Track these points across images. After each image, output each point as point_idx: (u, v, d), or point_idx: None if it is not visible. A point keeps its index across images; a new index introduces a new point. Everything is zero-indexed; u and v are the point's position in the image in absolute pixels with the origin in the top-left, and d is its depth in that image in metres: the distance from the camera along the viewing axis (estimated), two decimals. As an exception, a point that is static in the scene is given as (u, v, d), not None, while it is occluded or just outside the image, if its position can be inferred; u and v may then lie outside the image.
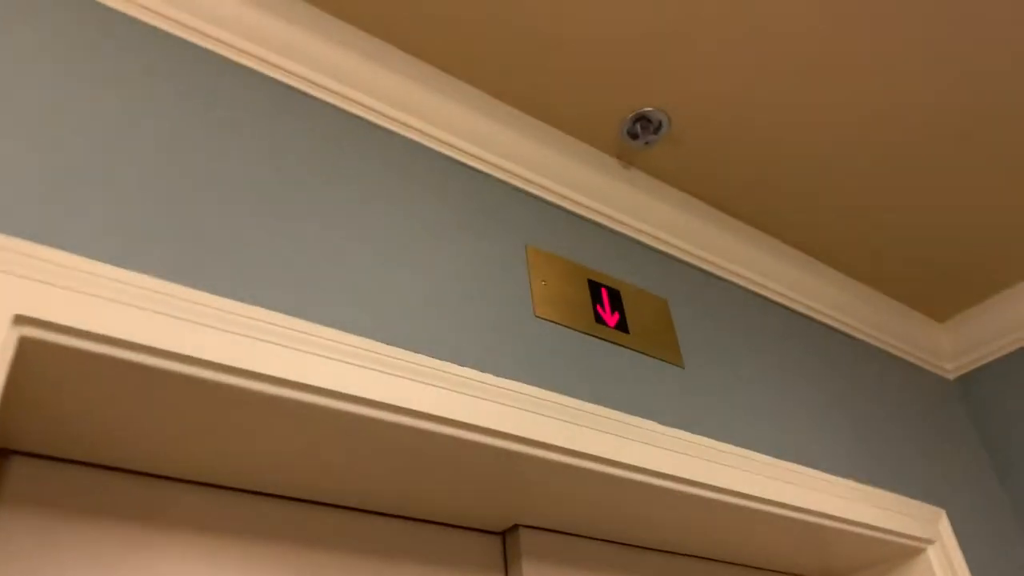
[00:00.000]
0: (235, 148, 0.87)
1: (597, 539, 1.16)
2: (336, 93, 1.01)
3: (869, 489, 1.28)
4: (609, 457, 0.96)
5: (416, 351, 0.86)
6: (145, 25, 0.89)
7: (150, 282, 0.71)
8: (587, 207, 1.21)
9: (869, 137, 1.25)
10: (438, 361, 0.86)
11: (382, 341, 0.85)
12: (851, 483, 1.26)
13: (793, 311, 1.45)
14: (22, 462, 0.79)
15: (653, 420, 1.04)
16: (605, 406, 1.00)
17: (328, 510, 0.96)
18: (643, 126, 1.19)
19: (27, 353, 0.65)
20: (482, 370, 0.90)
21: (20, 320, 0.64)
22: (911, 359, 1.65)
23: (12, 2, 0.80)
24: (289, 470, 0.88)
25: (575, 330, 1.05)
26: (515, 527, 1.08)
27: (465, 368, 0.88)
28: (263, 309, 0.77)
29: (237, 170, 0.85)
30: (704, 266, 1.33)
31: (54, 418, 0.74)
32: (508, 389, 0.91)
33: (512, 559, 1.08)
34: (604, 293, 1.13)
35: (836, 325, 1.52)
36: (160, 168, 0.79)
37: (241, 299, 0.77)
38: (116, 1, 0.87)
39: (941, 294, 1.63)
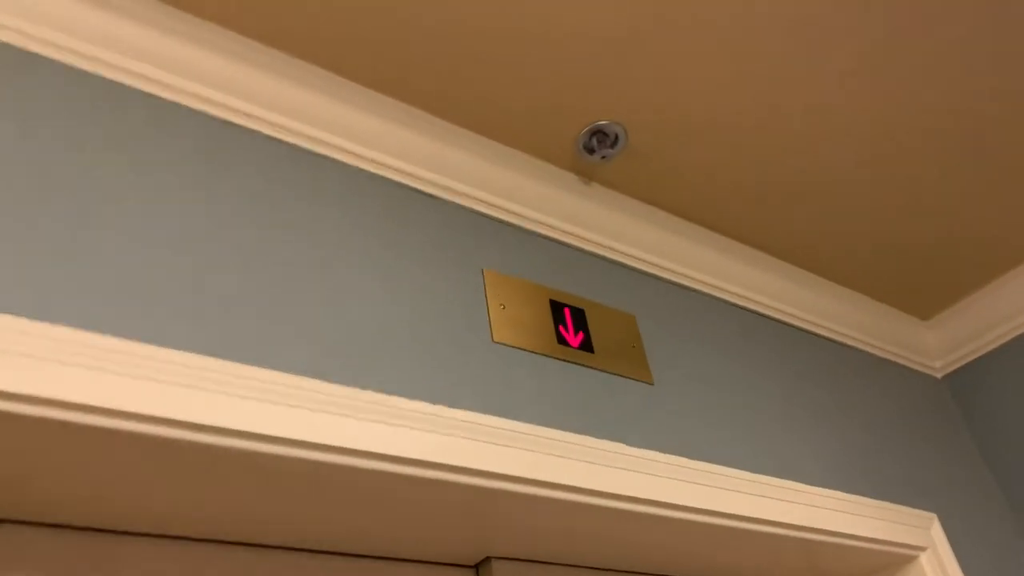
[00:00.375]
0: (155, 185, 0.84)
1: (574, 566, 1.12)
2: (276, 125, 0.98)
3: (856, 499, 1.25)
4: (576, 485, 0.93)
5: (367, 388, 0.83)
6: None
7: (68, 334, 0.68)
8: (547, 226, 1.18)
9: (838, 139, 1.23)
10: (389, 396, 0.83)
11: (333, 381, 0.82)
12: (837, 494, 1.23)
13: (769, 318, 1.42)
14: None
15: (621, 442, 1.01)
16: (570, 431, 0.97)
17: (298, 554, 0.93)
18: (599, 140, 1.17)
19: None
20: (435, 403, 0.87)
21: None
22: (897, 359, 1.62)
23: None
24: (250, 519, 0.85)
25: (536, 353, 1.02)
26: (487, 559, 1.05)
27: (417, 402, 0.85)
28: (199, 356, 0.74)
29: (156, 208, 0.83)
30: (673, 278, 1.30)
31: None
32: (466, 421, 0.87)
33: (486, 593, 1.04)
34: (567, 313, 1.10)
35: (816, 330, 1.49)
36: (67, 219, 0.77)
37: (174, 345, 0.74)
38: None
39: (924, 292, 1.61)
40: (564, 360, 1.04)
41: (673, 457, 1.04)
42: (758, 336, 1.37)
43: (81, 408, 0.66)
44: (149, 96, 0.90)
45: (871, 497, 1.29)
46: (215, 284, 0.80)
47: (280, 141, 0.98)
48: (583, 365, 1.06)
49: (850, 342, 1.54)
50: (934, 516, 1.35)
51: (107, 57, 0.89)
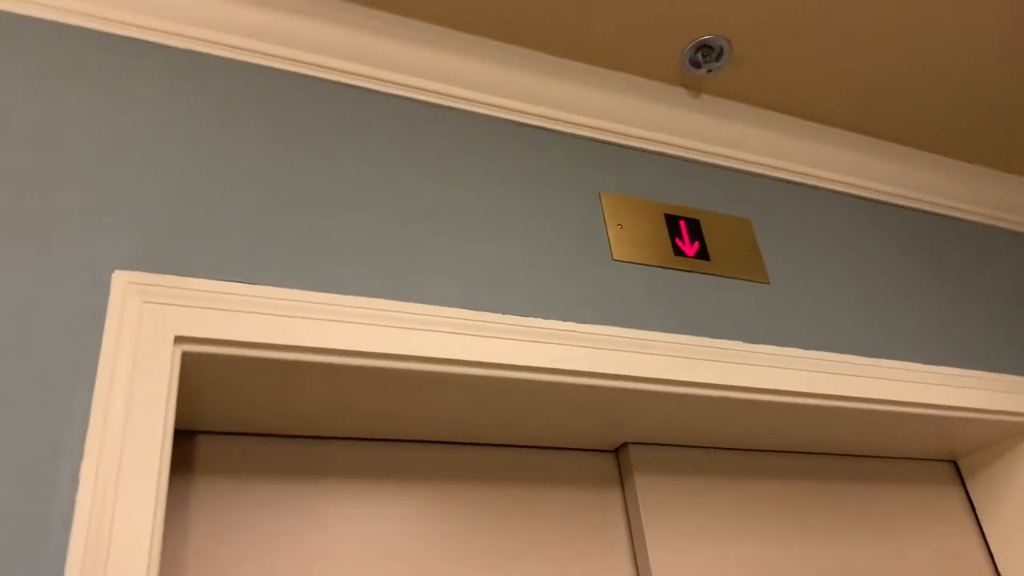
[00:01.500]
0: (291, 150, 1.00)
1: (705, 447, 1.26)
2: (389, 82, 1.11)
3: (974, 373, 1.30)
4: (696, 380, 1.05)
5: (503, 312, 0.98)
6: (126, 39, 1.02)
7: (272, 291, 0.86)
8: (659, 142, 1.26)
9: (944, 15, 1.21)
10: (527, 319, 0.98)
11: (483, 310, 0.97)
12: (954, 370, 1.28)
13: (885, 204, 1.45)
14: (207, 439, 0.99)
15: (738, 339, 1.12)
16: (689, 334, 1.08)
17: (468, 448, 1.12)
18: (704, 54, 1.21)
19: (187, 363, 0.82)
20: (565, 320, 1.01)
21: (180, 339, 0.80)
22: (1017, 228, 1.59)
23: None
24: (431, 422, 1.04)
25: (654, 266, 1.12)
26: (625, 445, 1.21)
27: (552, 321, 0.99)
28: (369, 298, 0.91)
29: (304, 173, 0.98)
30: (786, 176, 1.35)
31: (227, 404, 0.93)
32: (592, 333, 1.01)
33: (626, 473, 1.20)
34: (682, 225, 1.19)
35: (933, 208, 1.49)
36: (252, 194, 0.94)
37: (357, 293, 0.91)
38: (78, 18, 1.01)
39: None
40: (681, 270, 1.14)
41: (788, 349, 1.13)
42: (871, 222, 1.41)
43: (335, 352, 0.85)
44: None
45: (990, 370, 1.33)
46: (389, 240, 0.96)
47: (406, 99, 1.11)
48: (700, 272, 1.16)
49: (968, 216, 1.54)
50: (1063, 385, 1.38)
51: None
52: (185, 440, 0.98)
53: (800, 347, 1.17)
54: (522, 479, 1.14)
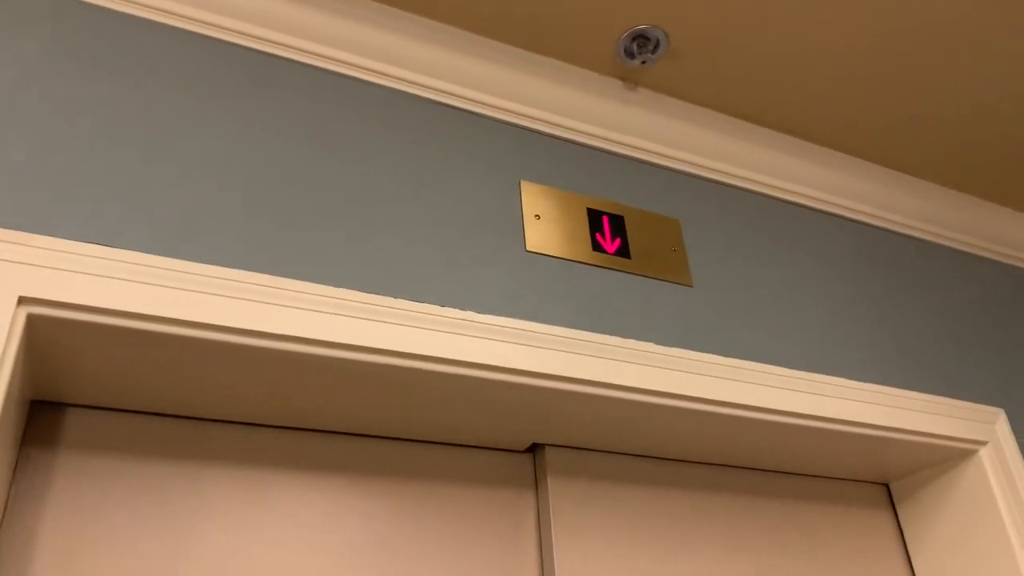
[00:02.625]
0: (168, 107, 0.94)
1: (622, 453, 1.21)
2: (313, 54, 1.06)
3: (909, 393, 1.25)
4: (608, 381, 1.00)
5: (403, 297, 0.93)
6: (143, 21, 0.97)
7: (139, 257, 0.81)
8: (588, 133, 1.21)
9: (896, 24, 1.17)
10: (422, 304, 0.92)
11: (385, 294, 0.92)
12: (890, 389, 1.24)
13: (822, 212, 1.40)
14: (75, 413, 0.93)
15: (653, 342, 1.07)
16: (602, 332, 1.03)
17: (373, 440, 1.07)
18: (640, 45, 1.17)
19: (36, 328, 0.77)
20: (465, 309, 0.96)
21: (25, 300, 0.75)
22: (961, 247, 1.55)
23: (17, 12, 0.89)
24: (325, 411, 0.98)
25: (569, 260, 1.07)
26: (539, 446, 1.15)
27: (449, 309, 0.94)
28: (253, 273, 0.85)
29: (185, 133, 0.93)
30: (720, 178, 1.31)
31: (90, 376, 0.87)
32: (496, 325, 0.96)
33: (540, 475, 1.15)
34: (605, 220, 1.14)
35: (874, 222, 1.45)
36: (126, 148, 0.88)
37: (241, 267, 0.86)
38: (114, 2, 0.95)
39: (1005, 178, 1.52)
40: (598, 266, 1.09)
41: (707, 355, 1.08)
42: (808, 231, 1.36)
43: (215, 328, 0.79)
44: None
45: (926, 392, 1.29)
46: (279, 214, 0.91)
47: (312, 66, 1.05)
48: (618, 270, 1.11)
49: (912, 232, 1.49)
50: (1000, 411, 1.34)
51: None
52: (51, 411, 0.92)
53: (721, 354, 1.12)
54: (432, 475, 1.08)
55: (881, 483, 1.45)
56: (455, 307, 0.95)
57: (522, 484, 1.14)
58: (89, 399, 0.92)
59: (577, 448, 1.18)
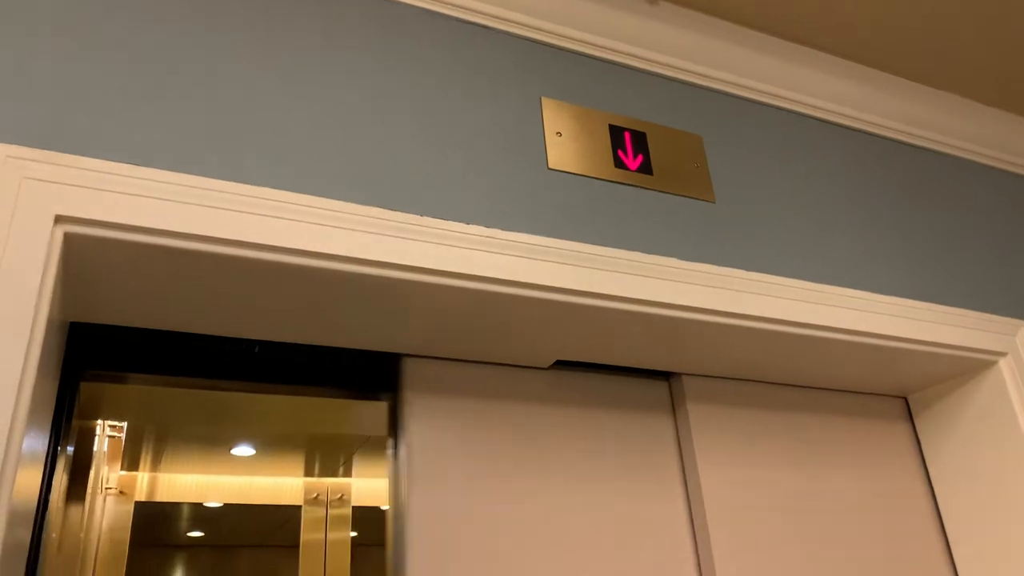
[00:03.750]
0: (192, 30, 0.94)
1: (628, 368, 1.23)
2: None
3: (929, 305, 1.26)
4: (627, 295, 1.01)
5: (420, 213, 0.94)
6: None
7: (171, 176, 0.82)
8: (610, 49, 1.20)
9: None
10: (443, 221, 0.93)
11: (406, 211, 0.93)
12: (912, 302, 1.24)
13: (843, 126, 1.39)
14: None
15: (675, 256, 1.07)
16: (622, 248, 1.04)
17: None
18: (660, -44, 1.14)
19: (74, 247, 0.78)
20: (490, 227, 0.96)
21: (61, 219, 0.76)
22: (980, 159, 1.53)
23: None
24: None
25: (590, 177, 1.07)
26: (676, 374, 1.17)
27: (474, 226, 0.95)
28: (281, 191, 0.86)
29: (208, 56, 0.93)
30: (743, 93, 1.29)
31: (129, 297, 0.89)
32: (518, 242, 0.97)
33: (678, 401, 1.18)
34: (627, 137, 1.14)
35: (895, 135, 1.43)
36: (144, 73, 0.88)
37: (268, 184, 0.87)
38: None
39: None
40: (619, 183, 1.09)
41: (728, 269, 1.09)
42: (831, 145, 1.35)
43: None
44: None
45: (948, 304, 1.29)
46: (304, 133, 0.91)
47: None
48: (641, 187, 1.11)
49: (936, 146, 1.48)
50: (1021, 323, 1.34)
51: None
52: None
53: (743, 268, 1.13)
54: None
55: (899, 396, 1.47)
56: (479, 223, 0.96)
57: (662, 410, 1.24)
58: (127, 319, 0.95)
59: (588, 363, 1.20)
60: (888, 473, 1.37)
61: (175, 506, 2.56)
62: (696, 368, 1.24)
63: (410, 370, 1.11)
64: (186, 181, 0.82)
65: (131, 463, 2.26)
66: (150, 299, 0.90)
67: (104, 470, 2.16)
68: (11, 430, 0.67)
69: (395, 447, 1.11)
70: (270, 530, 2.59)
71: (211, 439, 2.11)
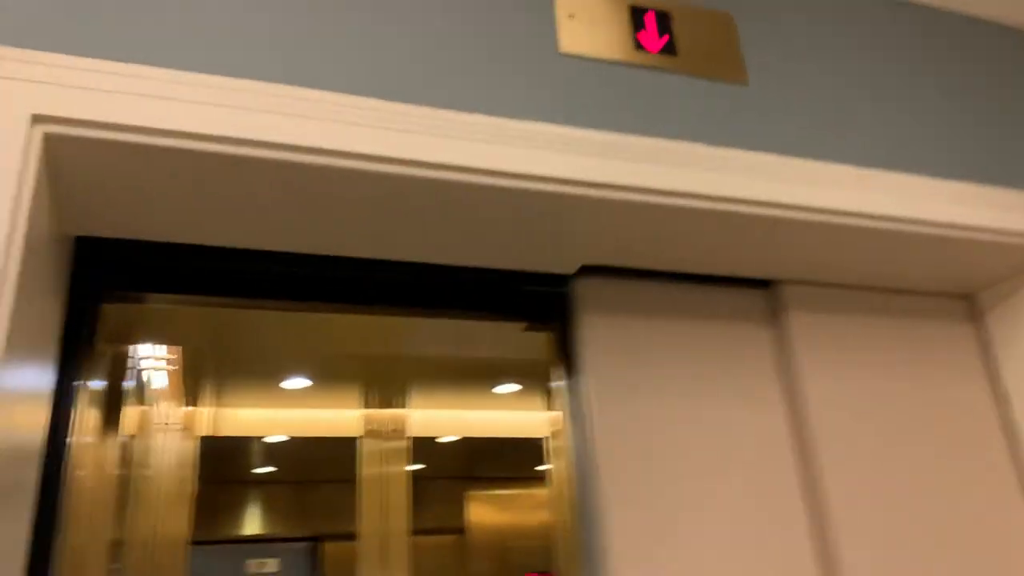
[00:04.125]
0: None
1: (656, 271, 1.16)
2: None
3: (1001, 190, 1.15)
4: (646, 186, 0.94)
5: (422, 104, 0.88)
6: None
7: (151, 71, 0.78)
8: (628, -75, 1.10)
9: None
10: (452, 112, 0.88)
11: (417, 103, 0.87)
12: (977, 186, 1.13)
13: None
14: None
15: (702, 143, 0.99)
16: (643, 135, 0.97)
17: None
18: None
19: (54, 149, 0.76)
20: (498, 115, 0.90)
21: (39, 119, 0.73)
22: None
23: None
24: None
25: (607, 61, 1.00)
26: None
27: (477, 115, 0.89)
28: (272, 83, 0.82)
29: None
30: (779, -33, 1.18)
31: (126, 206, 0.87)
32: (528, 131, 0.90)
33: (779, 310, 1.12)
34: (649, 17, 1.05)
35: (957, 6, 1.29)
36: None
37: (259, 77, 0.82)
38: None
39: None
40: (640, 66, 1.01)
41: (764, 155, 1.01)
42: (879, 18, 1.22)
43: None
44: None
45: (1011, 187, 1.18)
46: (292, 17, 0.86)
47: None
48: (662, 70, 1.02)
49: (986, 15, 1.33)
50: (1101, 207, 1.21)
51: None
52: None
53: (781, 153, 1.04)
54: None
55: (963, 295, 1.36)
56: (483, 113, 0.90)
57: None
58: (132, 231, 0.93)
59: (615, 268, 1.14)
60: (951, 378, 1.28)
61: (239, 441, 2.63)
62: (794, 274, 1.17)
63: (582, 291, 1.10)
64: (166, 76, 0.79)
65: (188, 397, 2.32)
66: (165, 210, 0.87)
67: (163, 405, 2.22)
68: None
69: (568, 372, 1.10)
70: (332, 463, 2.64)
71: (265, 370, 2.13)
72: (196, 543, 3.37)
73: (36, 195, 0.73)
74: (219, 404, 2.33)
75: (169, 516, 2.23)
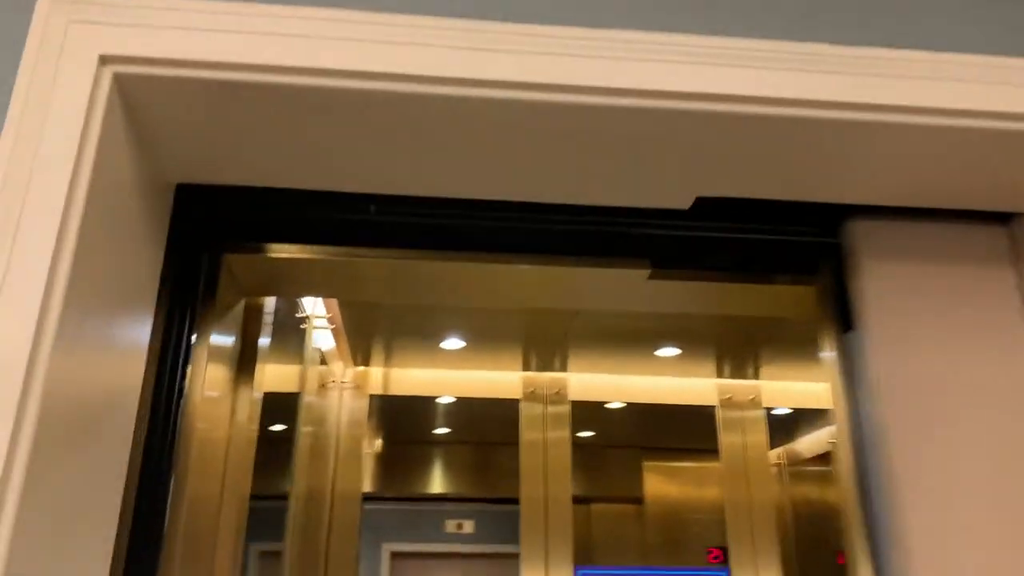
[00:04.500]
0: None
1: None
2: None
3: None
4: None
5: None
6: None
7: (216, 5, 0.74)
8: None
9: None
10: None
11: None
12: None
13: None
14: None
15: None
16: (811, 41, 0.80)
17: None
18: None
19: (127, 90, 0.73)
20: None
21: (107, 60, 0.71)
22: None
23: None
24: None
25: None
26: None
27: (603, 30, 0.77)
28: (337, 9, 0.75)
29: None
30: None
31: (214, 148, 0.84)
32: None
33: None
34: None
35: None
36: None
37: (356, 7, 0.76)
38: None
39: None
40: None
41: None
42: None
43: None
44: None
45: None
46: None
47: None
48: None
49: None
50: None
51: None
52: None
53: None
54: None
55: None
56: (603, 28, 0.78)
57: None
58: (244, 178, 0.89)
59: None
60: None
61: (409, 401, 2.69)
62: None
63: (858, 237, 0.98)
64: (237, 9, 0.74)
65: (354, 356, 2.39)
66: (269, 155, 0.83)
67: (332, 364, 2.30)
68: (43, 304, 0.63)
69: (843, 328, 1.00)
70: (500, 425, 2.63)
71: (423, 330, 2.14)
72: (376, 499, 3.52)
73: (107, 139, 0.71)
74: (386, 364, 2.38)
75: (343, 472, 2.32)
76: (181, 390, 0.91)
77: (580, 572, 1.99)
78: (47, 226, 0.64)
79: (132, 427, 0.81)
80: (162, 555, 0.84)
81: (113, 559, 0.78)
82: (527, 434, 2.32)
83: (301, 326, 1.76)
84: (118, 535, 0.79)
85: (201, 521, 1.00)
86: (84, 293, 0.67)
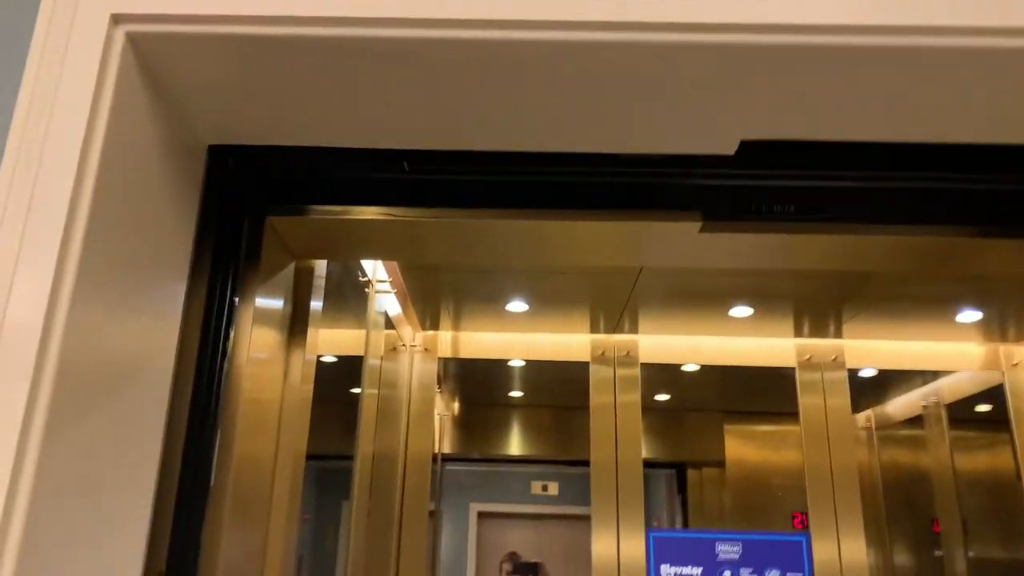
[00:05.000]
0: None
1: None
2: None
3: None
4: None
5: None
6: None
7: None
8: None
9: None
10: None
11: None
12: None
13: None
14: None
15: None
16: None
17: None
18: None
19: (142, 48, 0.72)
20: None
21: (119, 18, 0.70)
22: None
23: None
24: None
25: None
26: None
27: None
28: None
29: None
30: None
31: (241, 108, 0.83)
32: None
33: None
34: None
35: None
36: None
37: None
38: None
39: None
40: None
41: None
42: None
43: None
44: None
45: None
46: None
47: None
48: None
49: None
50: None
51: None
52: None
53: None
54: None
55: None
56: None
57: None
58: (279, 137, 0.88)
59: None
60: None
61: (480, 363, 2.69)
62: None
63: None
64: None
65: (421, 321, 2.39)
66: (306, 112, 0.82)
67: (404, 328, 2.31)
68: (59, 266, 0.63)
69: None
70: (570, 388, 2.61)
71: (488, 293, 2.12)
72: (458, 459, 3.57)
73: (122, 100, 0.71)
74: (454, 328, 2.38)
75: (415, 433, 2.35)
76: (224, 352, 0.91)
77: (651, 534, 1.95)
78: (61, 188, 0.64)
79: (167, 385, 0.82)
80: (209, 503, 0.85)
81: (164, 505, 0.79)
82: (597, 397, 2.29)
83: (365, 290, 1.77)
84: (169, 486, 0.81)
85: (252, 476, 1.02)
86: (102, 254, 0.68)
